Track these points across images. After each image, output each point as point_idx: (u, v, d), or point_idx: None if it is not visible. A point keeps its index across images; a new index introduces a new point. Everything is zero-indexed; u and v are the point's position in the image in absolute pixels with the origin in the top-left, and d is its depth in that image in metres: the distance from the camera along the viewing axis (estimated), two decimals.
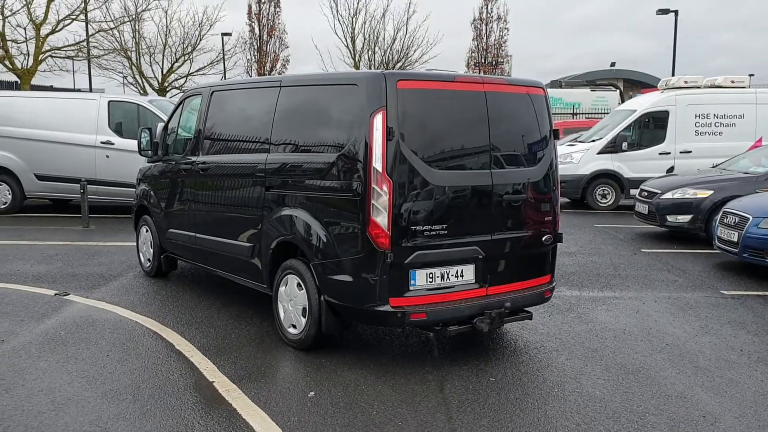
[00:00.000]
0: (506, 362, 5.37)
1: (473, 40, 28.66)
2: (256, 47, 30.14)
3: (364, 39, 28.82)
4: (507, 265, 5.44)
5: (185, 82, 31.01)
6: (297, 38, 57.08)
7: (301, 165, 5.52)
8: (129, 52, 28.23)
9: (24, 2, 18.76)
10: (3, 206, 12.82)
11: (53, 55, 20.83)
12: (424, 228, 4.97)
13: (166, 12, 30.43)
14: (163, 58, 29.83)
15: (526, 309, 5.67)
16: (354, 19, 29.11)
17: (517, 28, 73.28)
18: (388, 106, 4.82)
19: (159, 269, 7.89)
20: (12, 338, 5.71)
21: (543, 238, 5.62)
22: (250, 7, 28.97)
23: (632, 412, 4.47)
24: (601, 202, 15.45)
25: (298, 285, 5.46)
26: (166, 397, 4.57)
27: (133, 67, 28.94)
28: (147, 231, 8.02)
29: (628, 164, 15.28)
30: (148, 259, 8.04)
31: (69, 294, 7.13)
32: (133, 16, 21.97)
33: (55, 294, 7.10)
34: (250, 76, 30.69)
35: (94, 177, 12.23)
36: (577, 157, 15.65)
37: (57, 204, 14.14)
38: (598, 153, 15.50)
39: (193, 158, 6.94)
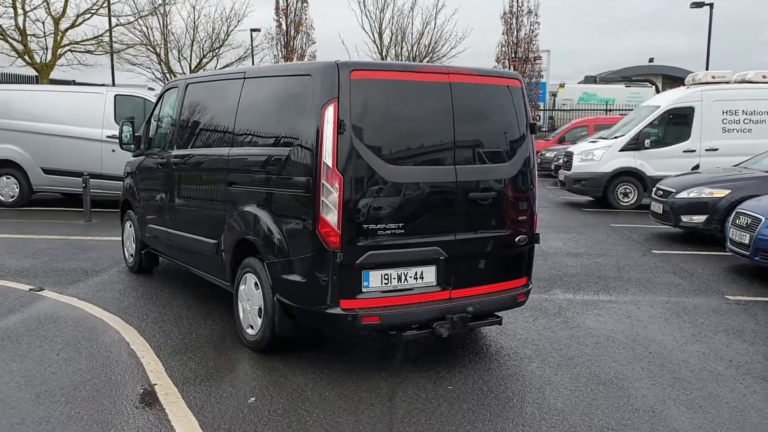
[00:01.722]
0: (471, 370, 5.07)
1: (503, 34, 28.11)
2: (283, 43, 30.11)
3: (392, 34, 28.60)
4: (474, 267, 5.13)
5: None
6: (324, 34, 57.07)
7: (258, 159, 5.29)
8: (158, 48, 28.55)
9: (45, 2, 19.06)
10: (11, 199, 12.90)
11: (72, 49, 21.05)
12: (378, 227, 4.69)
13: (193, 7, 30.63)
14: (191, 54, 30.09)
15: (496, 314, 5.35)
16: (382, 14, 28.90)
17: (557, 23, 72.23)
18: (340, 97, 4.56)
19: (141, 265, 7.77)
20: None
21: (516, 239, 5.29)
22: (277, 2, 28.95)
23: (591, 427, 4.14)
24: (622, 201, 14.91)
25: (255, 284, 5.24)
26: (100, 399, 4.39)
27: (162, 63, 29.19)
28: (130, 226, 7.90)
29: (651, 162, 14.68)
30: (131, 255, 7.92)
31: (44, 289, 7.03)
32: (152, 10, 22.09)
33: (30, 289, 7.01)
34: None
35: (100, 171, 12.21)
36: (598, 155, 15.13)
37: (69, 198, 14.20)
38: (620, 150, 14.94)
39: (169, 152, 6.79)
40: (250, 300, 5.32)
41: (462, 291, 5.05)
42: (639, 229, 11.84)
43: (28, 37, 18.94)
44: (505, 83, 5.34)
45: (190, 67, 30.53)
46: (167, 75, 29.79)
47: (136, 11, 21.95)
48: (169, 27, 29.22)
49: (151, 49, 28.21)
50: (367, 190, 4.66)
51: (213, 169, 5.94)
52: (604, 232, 11.52)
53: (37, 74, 19.30)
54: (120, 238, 8.40)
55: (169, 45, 29.34)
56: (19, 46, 18.83)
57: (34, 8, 18.92)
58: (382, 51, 28.87)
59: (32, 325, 5.88)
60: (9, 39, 18.93)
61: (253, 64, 32.78)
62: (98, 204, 12.37)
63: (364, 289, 4.70)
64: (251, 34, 32.17)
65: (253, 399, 4.44)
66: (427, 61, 28.68)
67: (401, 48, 28.84)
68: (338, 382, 4.75)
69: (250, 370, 5.02)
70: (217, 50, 30.06)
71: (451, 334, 4.93)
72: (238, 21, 29.51)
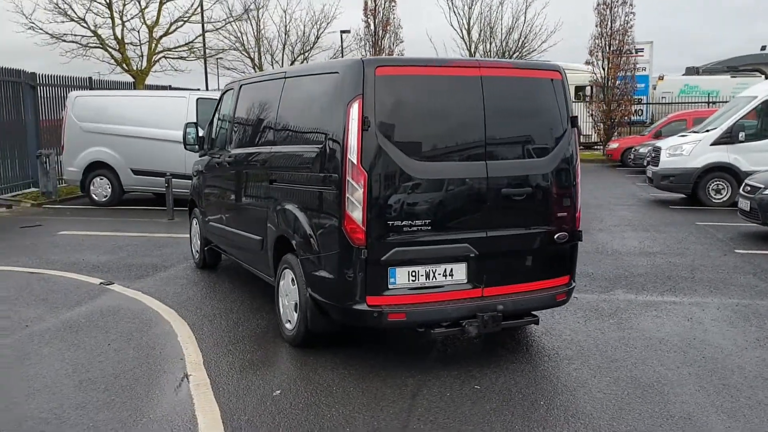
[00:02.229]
0: (504, 369, 4.96)
1: (596, 26, 27.12)
2: (371, 43, 30.36)
3: (480, 30, 28.23)
4: (508, 265, 5.01)
5: None
6: (412, 32, 57.06)
7: (293, 157, 5.41)
8: (251, 52, 29.54)
9: (139, 9, 20.13)
10: (104, 199, 13.70)
11: (166, 56, 22.19)
12: (404, 223, 4.66)
13: (285, 11, 31.47)
14: (282, 57, 30.86)
15: (534, 313, 5.21)
16: (470, 10, 28.59)
17: (663, 13, 69.16)
18: (365, 94, 4.57)
19: (205, 261, 8.07)
20: (37, 324, 6.00)
21: (555, 236, 5.13)
22: (366, 2, 29.20)
23: None
24: (714, 198, 14.10)
25: (292, 280, 5.34)
26: (137, 388, 4.60)
27: (255, 67, 30.08)
28: (196, 224, 8.23)
29: (745, 156, 13.79)
30: (197, 251, 8.24)
31: (113, 283, 7.43)
32: (239, 16, 22.87)
33: (100, 283, 7.43)
34: None
35: (183, 171, 12.74)
36: (687, 149, 14.38)
37: (160, 197, 14.90)
38: (712, 144, 14.11)
39: (224, 152, 7.03)
40: (288, 295, 5.42)
41: (495, 289, 4.95)
42: (725, 228, 11.18)
43: (126, 46, 20.11)
44: (543, 76, 5.19)
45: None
46: None
47: (228, 17, 22.78)
48: (262, 32, 30.16)
49: (245, 53, 29.22)
50: (393, 187, 4.65)
51: (258, 167, 6.11)
52: (686, 231, 10.95)
53: (133, 80, 20.44)
54: (189, 236, 8.76)
55: (262, 49, 30.27)
56: (118, 55, 20.02)
57: (131, 18, 20.10)
58: (470, 47, 28.60)
59: (94, 316, 6.23)
60: (108, 48, 20.17)
61: None
62: (182, 203, 12.91)
63: (390, 286, 4.69)
64: (341, 36, 32.75)
65: (279, 392, 4.53)
66: (517, 57, 28.21)
67: (490, 44, 28.47)
68: (366, 379, 4.77)
69: (283, 364, 5.13)
70: (307, 53, 30.76)
71: (483, 332, 4.84)
72: (327, 23, 30.10)
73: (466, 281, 4.87)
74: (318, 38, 30.37)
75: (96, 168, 13.63)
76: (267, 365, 5.10)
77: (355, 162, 4.57)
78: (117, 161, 13.38)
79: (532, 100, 5.14)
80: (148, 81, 21.13)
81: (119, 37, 20.18)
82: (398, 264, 4.69)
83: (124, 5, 20.08)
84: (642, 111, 31.24)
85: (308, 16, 33.18)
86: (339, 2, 43.52)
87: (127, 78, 20.36)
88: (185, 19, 20.78)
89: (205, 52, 22.77)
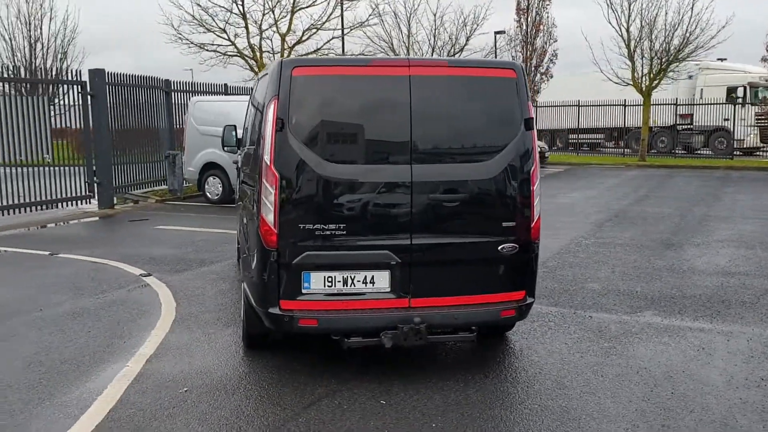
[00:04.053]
0: (430, 386, 4.65)
1: None
2: (523, 43, 29.54)
3: (641, 25, 26.24)
4: (440, 276, 4.69)
5: None
6: (567, 31, 54.38)
7: (246, 156, 5.58)
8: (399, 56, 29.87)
9: (274, 20, 21.24)
10: (216, 197, 14.65)
11: None
12: (316, 227, 4.54)
13: (434, 14, 31.50)
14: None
15: (478, 328, 4.82)
16: (630, 5, 26.67)
17: None
18: (280, 95, 4.52)
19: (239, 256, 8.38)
20: (54, 308, 6.57)
21: (500, 247, 4.72)
22: (518, 2, 28.48)
23: None
24: None
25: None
26: (70, 374, 4.90)
27: None
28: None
29: None
30: (237, 248, 8.56)
31: (151, 275, 7.93)
32: (361, 23, 23.14)
33: (140, 275, 7.96)
34: None
35: None
36: None
37: None
38: None
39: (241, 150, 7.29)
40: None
41: (424, 300, 4.66)
42: None
43: (263, 54, 21.35)
44: (492, 74, 4.81)
45: None
46: None
47: (357, 22, 23.27)
48: (413, 35, 30.45)
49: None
50: (305, 190, 4.55)
51: (244, 165, 6.26)
52: None
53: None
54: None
55: (416, 54, 30.53)
56: (253, 62, 21.28)
57: (267, 29, 21.27)
58: (629, 45, 26.76)
59: (108, 304, 6.68)
60: (245, 57, 21.53)
61: None
62: None
63: (304, 291, 4.59)
64: (495, 37, 32.22)
65: (186, 389, 4.61)
66: (681, 55, 25.88)
67: (651, 41, 26.36)
68: (280, 382, 4.72)
69: (222, 360, 5.18)
70: (457, 54, 30.56)
71: (403, 345, 4.55)
72: (477, 25, 29.73)
73: (389, 290, 4.63)
74: (468, 40, 30.12)
75: (210, 168, 14.62)
76: (207, 346, 5.22)
77: (268, 163, 4.53)
78: (226, 161, 14.21)
79: (474, 101, 4.77)
80: None
81: (255, 45, 21.44)
82: (313, 268, 4.57)
83: (263, 15, 21.32)
84: None
85: (459, 17, 32.77)
86: (491, 2, 42.82)
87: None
88: (317, 26, 21.63)
89: (343, 52, 23.49)
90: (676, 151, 28.82)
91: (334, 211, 4.57)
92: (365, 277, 4.61)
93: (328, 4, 22.33)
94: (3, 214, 12.37)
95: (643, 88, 25.81)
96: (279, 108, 4.50)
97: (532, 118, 4.83)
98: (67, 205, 13.83)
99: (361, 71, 4.68)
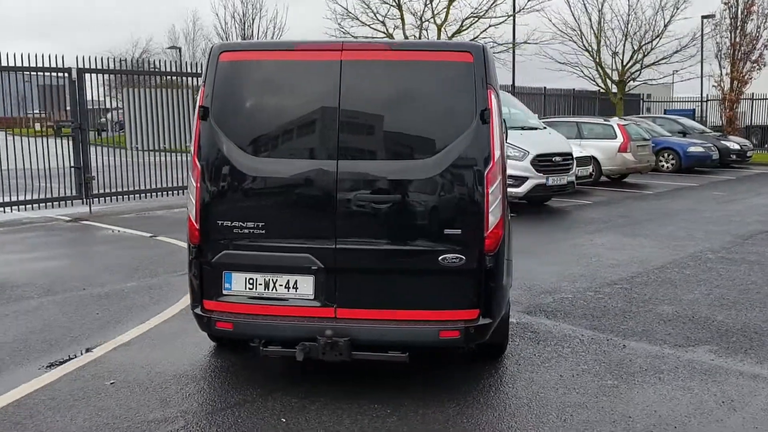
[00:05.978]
0: (362, 413, 4.15)
1: None
2: (731, 27, 26.10)
3: None
4: (370, 285, 4.17)
5: (639, 73, 28.96)
6: None
7: None
8: (591, 46, 27.98)
9: (431, 12, 20.91)
10: None
11: None
12: (234, 224, 4.22)
13: (628, 2, 29.06)
14: (623, 49, 28.47)
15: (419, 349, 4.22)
16: None
17: None
18: (206, 82, 4.28)
19: None
20: (97, 288, 6.88)
21: (440, 258, 4.07)
22: None
23: None
24: None
25: None
26: (31, 355, 5.08)
27: (597, 64, 28.31)
28: None
29: None
30: None
31: (159, 236, 8.86)
32: (511, 15, 21.61)
33: (150, 236, 8.79)
34: (720, 62, 26.89)
35: None
36: None
37: None
38: None
39: None
40: None
41: (351, 311, 4.17)
42: None
43: None
44: (441, 59, 4.14)
45: (622, 62, 29.08)
46: (599, 71, 28.96)
47: (510, 12, 21.94)
48: (608, 22, 28.39)
49: (581, 47, 27.90)
50: (224, 184, 4.25)
51: None
52: None
53: None
54: None
55: (607, 42, 28.48)
56: None
57: (430, 19, 20.93)
58: None
59: (142, 288, 6.90)
60: None
61: (702, 54, 29.55)
62: None
63: (225, 291, 4.29)
64: (702, 21, 28.96)
65: (112, 382, 4.55)
66: None
67: None
68: (205, 382, 4.52)
69: (179, 345, 5.10)
70: (654, 40, 27.94)
71: (328, 359, 4.07)
72: (677, 9, 26.92)
73: (312, 297, 4.19)
74: (667, 25, 27.36)
75: None
76: (165, 353, 5.14)
77: (192, 154, 4.30)
78: None
79: (417, 89, 4.15)
80: None
81: (415, 36, 21.22)
82: (233, 269, 4.27)
83: (425, 6, 21.06)
84: None
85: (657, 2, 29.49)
86: None
87: None
88: (479, 15, 20.81)
89: (514, 46, 22.35)
90: None
91: (253, 209, 4.23)
92: (288, 281, 4.22)
93: None
94: (145, 198, 13.37)
95: None
96: (204, 95, 4.25)
97: (490, 109, 4.07)
98: None
99: (287, 56, 4.26)
